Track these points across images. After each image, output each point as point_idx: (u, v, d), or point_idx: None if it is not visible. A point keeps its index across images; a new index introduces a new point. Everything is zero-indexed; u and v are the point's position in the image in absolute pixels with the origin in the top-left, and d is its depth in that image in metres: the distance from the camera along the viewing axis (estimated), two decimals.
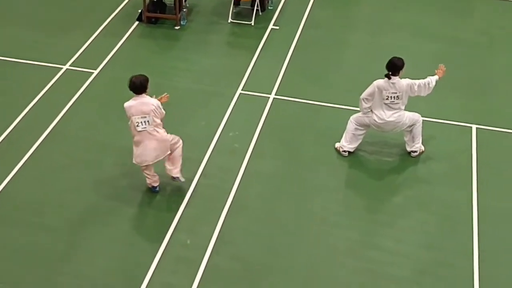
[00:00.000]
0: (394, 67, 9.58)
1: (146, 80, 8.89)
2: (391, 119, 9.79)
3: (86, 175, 9.92)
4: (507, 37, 13.38)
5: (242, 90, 11.69)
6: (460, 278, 8.45)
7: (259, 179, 9.85)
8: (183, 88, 11.70)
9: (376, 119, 9.88)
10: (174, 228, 9.02)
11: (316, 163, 10.19)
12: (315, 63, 12.53)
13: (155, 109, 8.85)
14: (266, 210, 9.38)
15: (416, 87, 9.71)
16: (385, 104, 9.75)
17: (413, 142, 10.20)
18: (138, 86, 8.83)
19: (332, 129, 10.79)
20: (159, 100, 9.11)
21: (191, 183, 9.71)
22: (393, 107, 9.76)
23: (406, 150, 10.31)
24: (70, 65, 12.33)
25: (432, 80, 9.79)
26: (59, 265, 8.56)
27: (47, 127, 10.78)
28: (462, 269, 8.56)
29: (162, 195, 9.55)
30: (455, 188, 9.75)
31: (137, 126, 8.89)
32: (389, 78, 9.58)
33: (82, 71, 12.17)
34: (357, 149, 10.33)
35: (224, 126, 10.82)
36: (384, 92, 9.68)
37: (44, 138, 10.55)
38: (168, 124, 10.54)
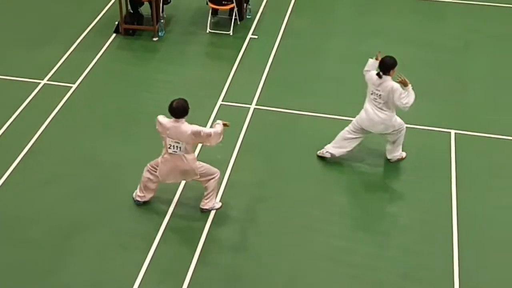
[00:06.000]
0: (384, 66, 10.13)
1: (187, 104, 9.30)
2: (375, 117, 10.32)
3: (68, 189, 10.47)
4: (482, 41, 14.17)
5: (222, 101, 12.34)
6: (441, 280, 9.12)
7: (242, 190, 10.47)
8: (163, 100, 12.10)
9: (363, 113, 10.48)
10: (159, 240, 9.62)
11: (297, 172, 10.84)
12: (294, 72, 13.22)
13: (189, 137, 9.28)
14: (248, 220, 10.01)
15: (398, 93, 10.00)
16: (370, 99, 10.35)
17: (395, 151, 10.85)
18: (181, 111, 9.25)
19: (313, 138, 11.44)
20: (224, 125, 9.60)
21: (174, 195, 10.32)
22: (376, 105, 10.30)
23: (386, 157, 10.99)
24: (48, 80, 12.90)
25: (409, 89, 10.18)
26: (45, 280, 9.08)
27: (27, 143, 11.32)
28: (443, 272, 9.22)
29: (145, 207, 10.13)
30: (435, 194, 10.43)
31: (169, 148, 9.44)
32: (380, 77, 10.17)
33: (61, 85, 12.74)
34: (335, 157, 11.00)
35: None
36: (371, 86, 10.30)
37: (25, 154, 11.10)
38: (150, 137, 11.21)
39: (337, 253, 9.52)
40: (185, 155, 9.45)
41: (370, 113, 10.40)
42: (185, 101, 9.37)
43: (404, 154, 10.96)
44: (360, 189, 10.58)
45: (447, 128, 11.67)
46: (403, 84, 10.22)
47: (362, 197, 10.45)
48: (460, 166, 10.90)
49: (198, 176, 9.71)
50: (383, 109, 10.30)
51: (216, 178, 9.88)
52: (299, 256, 9.47)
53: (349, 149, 10.83)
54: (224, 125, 9.63)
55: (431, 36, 14.33)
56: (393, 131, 10.54)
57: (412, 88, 10.20)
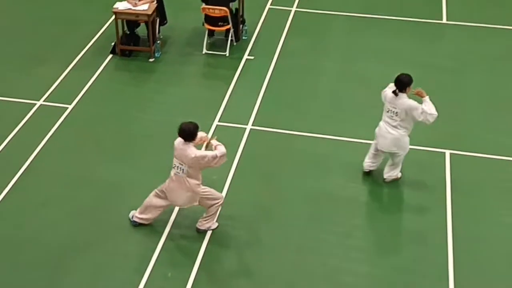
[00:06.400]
0: (400, 84, 10.19)
1: (195, 128, 9.37)
2: (388, 134, 10.42)
3: (64, 210, 10.51)
4: (477, 62, 14.25)
5: (218, 121, 12.40)
6: None
7: (238, 210, 10.51)
8: (159, 121, 12.39)
9: (377, 130, 10.62)
10: (155, 261, 9.65)
11: (293, 192, 10.89)
12: (291, 92, 13.30)
13: (191, 161, 9.31)
14: (245, 240, 10.05)
15: (417, 110, 10.10)
16: (386, 116, 10.44)
17: (393, 171, 10.94)
18: (186, 135, 9.30)
19: (309, 158, 11.54)
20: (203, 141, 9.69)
21: (170, 215, 10.35)
22: (391, 123, 10.38)
23: (381, 177, 11.05)
24: (44, 101, 12.95)
25: (427, 101, 10.23)
26: None
27: (23, 164, 11.36)
28: None
29: (141, 228, 10.16)
30: (430, 213, 10.49)
31: (174, 167, 9.55)
32: (396, 95, 10.22)
33: (57, 106, 12.80)
34: (331, 177, 11.12)
35: None
36: (387, 104, 10.38)
37: (20, 175, 11.13)
38: (146, 157, 11.29)
39: (332, 273, 9.54)
40: (188, 178, 9.48)
41: (382, 130, 10.50)
42: (195, 125, 9.40)
43: (399, 175, 11.02)
44: (356, 209, 10.62)
45: (442, 148, 11.73)
46: (420, 95, 10.31)
47: (358, 217, 10.49)
48: (455, 186, 10.95)
49: (197, 203, 9.74)
50: (397, 127, 10.37)
51: (220, 203, 9.92)
52: (295, 276, 9.49)
53: (378, 161, 11.03)
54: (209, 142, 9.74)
55: (427, 56, 14.41)
56: (401, 152, 10.63)
57: (430, 99, 10.27)
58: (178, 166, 9.50)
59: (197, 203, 9.74)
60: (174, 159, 9.53)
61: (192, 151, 9.33)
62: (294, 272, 9.55)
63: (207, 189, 9.77)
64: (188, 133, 9.34)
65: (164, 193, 9.81)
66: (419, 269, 9.59)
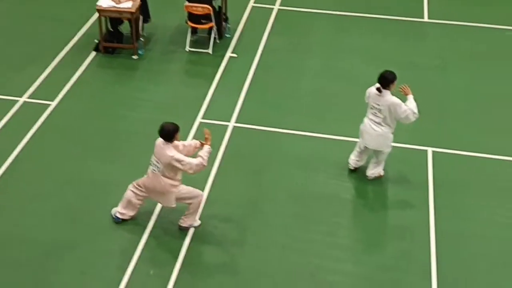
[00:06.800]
0: (384, 80, 10.16)
1: (175, 130, 9.33)
2: (372, 131, 10.39)
3: (48, 208, 10.40)
4: (460, 60, 14.26)
5: (202, 118, 12.32)
6: None
7: (221, 208, 10.45)
8: (142, 118, 12.30)
9: (361, 127, 10.59)
10: (138, 258, 9.57)
11: (277, 190, 10.85)
12: (274, 90, 13.25)
13: (167, 161, 9.26)
14: (228, 239, 9.98)
15: (400, 108, 10.07)
16: (370, 113, 10.40)
17: (376, 169, 10.92)
18: (165, 135, 9.29)
19: (293, 155, 11.49)
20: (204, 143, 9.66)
21: (152, 212, 10.27)
22: (375, 120, 10.35)
23: (364, 174, 11.02)
24: (27, 98, 12.82)
25: (410, 100, 10.27)
26: None
27: (5, 161, 11.23)
28: None
29: (124, 225, 10.08)
30: (413, 211, 10.48)
31: (150, 165, 9.51)
32: (380, 91, 10.19)
33: (40, 103, 12.67)
34: (315, 175, 11.07)
35: None
36: (371, 100, 10.35)
37: (3, 173, 11.01)
38: (129, 155, 11.19)
39: (316, 271, 9.50)
40: (163, 177, 9.43)
41: (367, 127, 10.48)
42: (175, 126, 9.35)
43: (382, 173, 10.99)
44: (339, 208, 10.58)
45: (425, 146, 11.73)
46: (404, 93, 10.32)
47: (341, 215, 10.46)
48: (438, 183, 10.94)
49: (174, 206, 9.69)
50: (381, 124, 10.35)
51: (199, 200, 9.83)
52: (279, 274, 9.45)
53: (363, 161, 11.03)
54: (205, 141, 9.67)
55: (408, 55, 14.40)
56: (385, 149, 10.61)
57: (414, 99, 10.29)
58: (154, 164, 9.47)
59: (175, 205, 9.68)
60: (152, 156, 9.49)
61: (170, 151, 9.29)
62: (278, 271, 9.50)
63: (184, 187, 9.69)
64: (167, 133, 9.31)
65: (141, 187, 9.78)
66: (402, 266, 9.58)
